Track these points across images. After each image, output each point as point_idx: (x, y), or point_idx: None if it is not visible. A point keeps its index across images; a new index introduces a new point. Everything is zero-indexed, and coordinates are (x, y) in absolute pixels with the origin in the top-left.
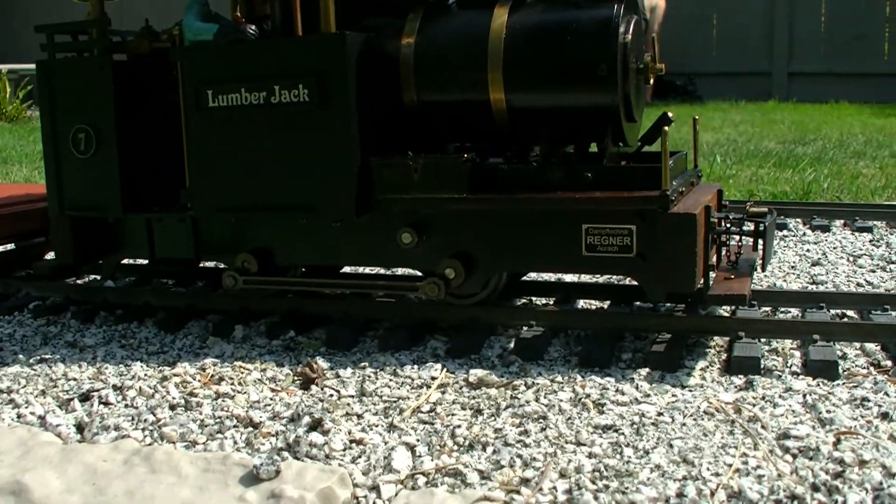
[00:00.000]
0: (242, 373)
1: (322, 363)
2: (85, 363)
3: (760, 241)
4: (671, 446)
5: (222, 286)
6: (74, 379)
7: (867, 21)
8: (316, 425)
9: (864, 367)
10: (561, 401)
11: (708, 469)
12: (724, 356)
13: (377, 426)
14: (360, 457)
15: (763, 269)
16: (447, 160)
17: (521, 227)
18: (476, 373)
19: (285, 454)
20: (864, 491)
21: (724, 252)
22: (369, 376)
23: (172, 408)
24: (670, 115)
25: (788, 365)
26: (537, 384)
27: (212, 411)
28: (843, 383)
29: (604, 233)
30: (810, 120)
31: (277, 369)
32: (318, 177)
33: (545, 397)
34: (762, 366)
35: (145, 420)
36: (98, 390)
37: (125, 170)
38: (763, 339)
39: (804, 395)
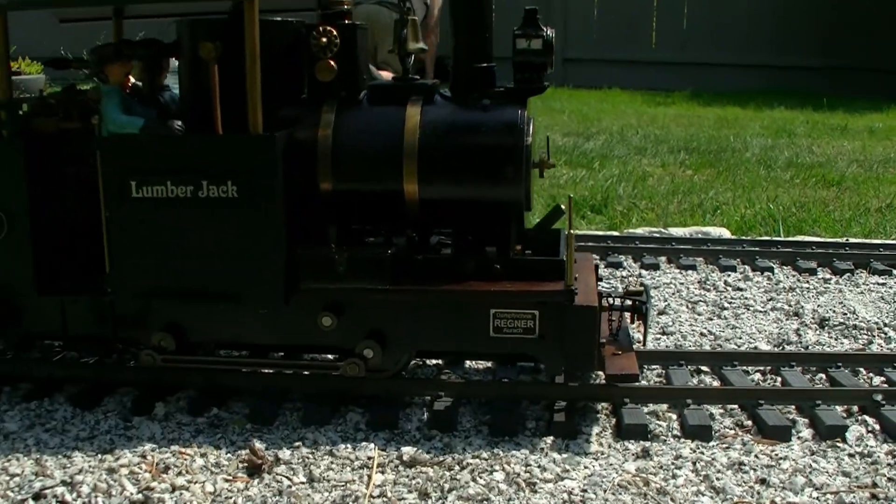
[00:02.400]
0: (185, 459)
1: (259, 445)
2: (20, 454)
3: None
4: None
5: (139, 363)
6: (17, 475)
7: (638, 9)
8: None
9: (731, 428)
10: (497, 481)
11: None
12: (613, 420)
13: None
14: None
15: (644, 345)
16: (371, 254)
17: (436, 311)
18: (407, 451)
19: None
20: None
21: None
22: (308, 457)
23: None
24: (563, 207)
25: (670, 429)
26: (469, 463)
27: None
28: (717, 444)
29: (510, 317)
30: (589, 109)
31: (216, 452)
32: (245, 267)
33: (481, 477)
34: (649, 431)
35: None
36: (50, 487)
37: (39, 253)
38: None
39: (693, 463)
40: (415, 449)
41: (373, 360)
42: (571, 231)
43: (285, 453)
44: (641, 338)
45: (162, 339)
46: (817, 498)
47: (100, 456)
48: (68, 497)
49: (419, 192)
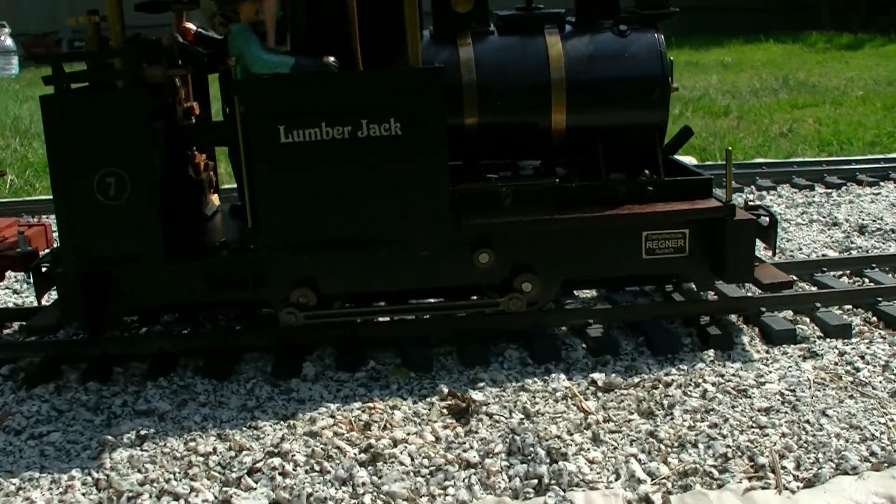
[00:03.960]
0: (379, 413)
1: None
2: (196, 433)
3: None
4: (828, 416)
5: (280, 324)
6: (209, 453)
7: None
8: (554, 454)
9: (863, 325)
10: (710, 392)
11: (873, 426)
12: (754, 329)
13: (587, 443)
14: (601, 472)
15: (774, 254)
16: (538, 185)
17: (590, 238)
18: (598, 377)
19: (555, 489)
20: None
21: None
22: (503, 396)
23: (363, 465)
24: (691, 128)
25: (813, 330)
26: (667, 380)
27: (413, 461)
28: (860, 340)
29: (661, 237)
30: None
31: (403, 402)
32: (409, 209)
33: (692, 392)
34: (797, 334)
35: (363, 483)
36: (260, 461)
37: (165, 215)
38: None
39: (861, 357)
40: (602, 374)
41: (531, 293)
42: (730, 149)
43: (478, 395)
44: (769, 250)
45: (301, 296)
46: None
47: (285, 422)
48: (288, 467)
49: (567, 122)
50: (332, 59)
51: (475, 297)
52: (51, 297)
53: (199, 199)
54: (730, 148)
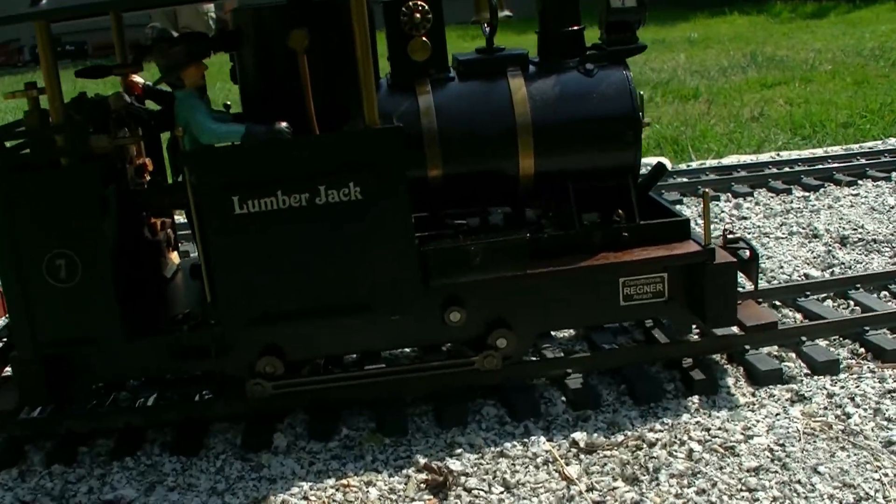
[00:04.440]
0: (353, 491)
1: (430, 462)
2: None
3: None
4: (820, 473)
5: (248, 395)
6: None
7: None
8: None
9: (851, 357)
10: (695, 451)
11: (867, 484)
12: (739, 368)
13: None
14: None
15: (756, 288)
16: (510, 242)
17: (565, 289)
18: (579, 437)
19: None
20: None
21: None
22: (481, 463)
23: None
24: (667, 164)
25: (799, 367)
26: (651, 439)
27: None
28: (849, 375)
29: (639, 283)
30: None
31: (379, 476)
32: (374, 273)
33: (676, 452)
34: (784, 374)
35: None
36: None
37: (121, 292)
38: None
39: (851, 399)
40: (584, 434)
41: (506, 348)
42: (707, 190)
43: (455, 464)
44: (750, 284)
45: (267, 365)
46: None
47: None
48: None
49: (535, 167)
50: (284, 124)
51: (448, 352)
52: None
53: (158, 260)
54: (707, 190)
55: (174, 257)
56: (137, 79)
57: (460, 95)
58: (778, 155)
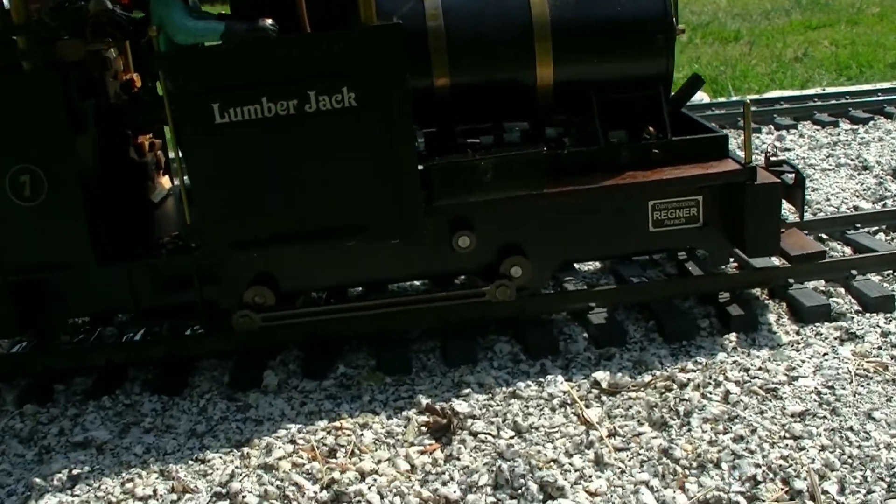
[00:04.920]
0: (346, 434)
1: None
2: (136, 469)
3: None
4: (874, 420)
5: (234, 328)
6: (148, 497)
7: None
8: (548, 489)
9: None
10: (732, 393)
11: None
12: (782, 304)
13: (589, 467)
14: None
15: (801, 218)
16: (523, 156)
17: (587, 213)
18: (601, 377)
19: None
20: None
21: None
22: (491, 405)
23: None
24: (701, 77)
25: (850, 304)
26: (682, 379)
27: (382, 499)
28: None
29: (670, 207)
30: None
31: (376, 418)
32: (371, 192)
33: (710, 393)
34: (832, 310)
35: None
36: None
37: (92, 216)
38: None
39: None
40: (606, 373)
41: (521, 278)
42: (748, 100)
43: (461, 406)
44: (796, 213)
45: (256, 295)
46: None
47: (238, 451)
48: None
49: (554, 76)
50: (269, 21)
51: (458, 283)
52: None
53: (144, 184)
54: (748, 101)
55: (164, 181)
56: None
57: None
58: (823, 90)
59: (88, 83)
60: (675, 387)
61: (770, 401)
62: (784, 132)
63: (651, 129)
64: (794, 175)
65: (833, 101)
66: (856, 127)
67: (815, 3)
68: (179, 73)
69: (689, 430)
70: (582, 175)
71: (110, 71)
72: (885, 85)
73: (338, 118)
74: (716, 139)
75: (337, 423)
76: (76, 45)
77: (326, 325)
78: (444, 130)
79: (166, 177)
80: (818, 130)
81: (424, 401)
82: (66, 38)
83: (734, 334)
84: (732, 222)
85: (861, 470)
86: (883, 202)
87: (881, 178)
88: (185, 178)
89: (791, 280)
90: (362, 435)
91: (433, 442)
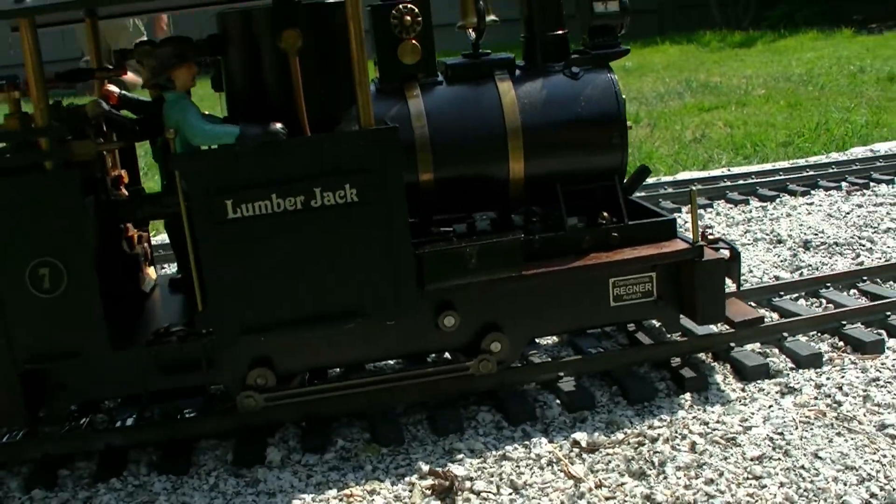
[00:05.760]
0: (357, 501)
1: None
2: None
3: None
4: (821, 458)
5: (239, 408)
6: None
7: None
8: None
9: (831, 351)
10: (697, 444)
11: (868, 466)
12: (726, 365)
13: None
14: None
15: (738, 287)
16: (504, 243)
17: (556, 291)
18: (580, 437)
19: None
20: None
21: None
22: (485, 467)
23: None
24: (648, 167)
25: (784, 362)
26: (653, 435)
27: None
28: (832, 368)
29: (628, 283)
30: None
31: (381, 485)
32: (370, 278)
33: (679, 445)
34: (770, 368)
35: None
36: None
37: (106, 301)
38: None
39: (839, 388)
40: (584, 434)
41: (500, 353)
42: (694, 187)
43: (459, 469)
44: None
45: (259, 377)
46: None
47: None
48: None
49: (525, 170)
50: (279, 125)
51: (440, 358)
52: None
53: (136, 275)
54: (693, 187)
55: (151, 272)
56: (113, 88)
57: (450, 100)
58: (728, 170)
59: (90, 180)
60: (646, 441)
61: (731, 448)
62: (702, 211)
63: (605, 213)
64: (729, 250)
65: (741, 181)
66: (765, 204)
67: (705, 86)
68: (195, 173)
69: (666, 478)
70: (551, 257)
71: (106, 168)
72: (785, 164)
73: (341, 212)
74: (666, 222)
75: (347, 492)
76: (90, 146)
77: (323, 403)
78: (425, 220)
79: (151, 268)
80: (732, 208)
81: (425, 466)
82: (70, 138)
83: (688, 394)
84: (683, 295)
85: (816, 501)
86: (799, 271)
87: (794, 249)
88: (193, 269)
89: (732, 344)
90: (373, 500)
91: (440, 502)
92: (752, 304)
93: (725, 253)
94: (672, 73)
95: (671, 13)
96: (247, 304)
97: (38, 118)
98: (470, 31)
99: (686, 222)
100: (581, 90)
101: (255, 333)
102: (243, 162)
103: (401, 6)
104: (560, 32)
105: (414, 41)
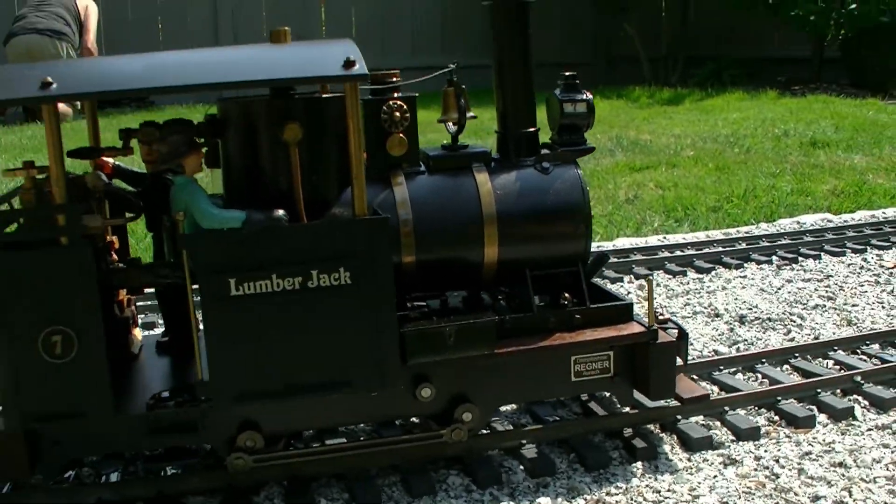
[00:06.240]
0: None
1: None
2: None
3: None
4: None
5: (229, 469)
6: None
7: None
8: None
9: (768, 424)
10: None
11: None
12: (672, 436)
13: None
14: None
15: (685, 364)
16: (479, 324)
17: (522, 366)
18: (544, 501)
19: None
20: None
21: None
22: None
23: None
24: (607, 254)
25: (725, 434)
26: (611, 501)
27: None
28: (769, 440)
29: (588, 361)
30: None
31: None
32: (358, 352)
33: None
34: (713, 440)
35: None
36: None
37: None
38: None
39: (776, 461)
40: (547, 499)
41: (471, 422)
42: (651, 277)
43: None
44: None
45: (248, 439)
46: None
47: None
48: None
49: (498, 255)
50: (281, 212)
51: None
52: None
53: (126, 338)
54: (651, 277)
55: (137, 334)
56: (107, 158)
57: (431, 188)
58: (665, 238)
59: (95, 251)
60: None
61: None
62: (643, 281)
63: (567, 294)
64: (678, 330)
65: (679, 252)
66: (701, 276)
67: (635, 143)
68: (202, 252)
69: None
70: (519, 336)
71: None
72: (718, 235)
73: (335, 292)
74: (624, 306)
75: None
76: (99, 220)
77: (306, 465)
78: (402, 297)
79: (138, 329)
80: (671, 279)
81: None
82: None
83: (640, 462)
84: (637, 372)
85: None
86: (736, 346)
87: (731, 324)
88: (195, 340)
89: (679, 416)
90: None
91: None
92: (695, 376)
93: (675, 332)
94: (603, 128)
95: (602, 67)
96: (243, 374)
97: (56, 196)
98: (451, 123)
99: (629, 293)
100: (551, 184)
101: (249, 401)
102: (247, 244)
103: (391, 102)
104: (531, 130)
105: (402, 135)
